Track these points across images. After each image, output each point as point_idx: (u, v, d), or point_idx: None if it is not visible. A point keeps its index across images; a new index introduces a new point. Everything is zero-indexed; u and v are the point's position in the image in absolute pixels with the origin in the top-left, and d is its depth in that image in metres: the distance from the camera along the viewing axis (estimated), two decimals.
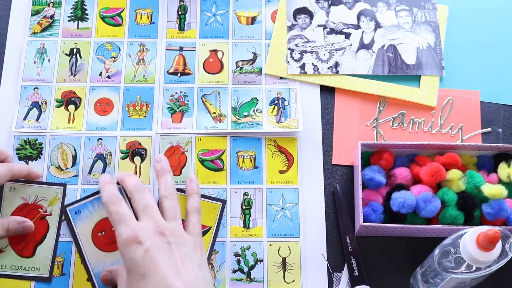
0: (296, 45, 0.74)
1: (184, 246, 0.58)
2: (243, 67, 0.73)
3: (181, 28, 0.75)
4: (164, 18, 0.76)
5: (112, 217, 0.59)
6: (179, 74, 0.73)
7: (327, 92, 0.73)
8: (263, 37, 0.75)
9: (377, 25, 0.75)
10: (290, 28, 0.74)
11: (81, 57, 0.73)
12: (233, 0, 0.77)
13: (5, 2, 0.76)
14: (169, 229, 0.58)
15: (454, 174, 0.64)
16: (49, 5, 0.75)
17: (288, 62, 0.73)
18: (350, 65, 0.73)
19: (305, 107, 0.72)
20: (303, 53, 0.73)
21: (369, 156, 0.67)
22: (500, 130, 0.72)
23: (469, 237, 0.54)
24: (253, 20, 0.76)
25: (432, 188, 0.64)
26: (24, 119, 0.70)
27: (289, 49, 0.74)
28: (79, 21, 0.75)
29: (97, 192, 0.66)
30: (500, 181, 0.66)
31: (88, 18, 0.75)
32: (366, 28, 0.75)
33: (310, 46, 0.74)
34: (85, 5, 0.76)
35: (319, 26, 0.75)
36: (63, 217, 0.65)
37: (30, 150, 0.68)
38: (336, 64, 0.73)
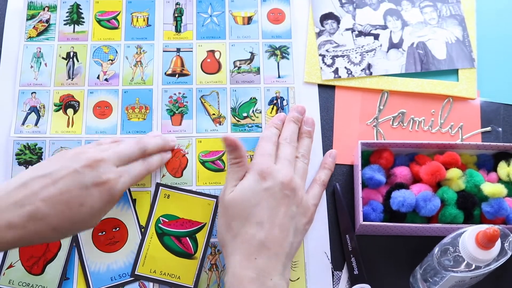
0: (327, 50, 0.73)
1: (295, 206, 0.60)
2: (240, 66, 0.73)
3: (177, 30, 0.74)
4: (161, 20, 0.75)
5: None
6: (177, 75, 0.72)
7: (327, 91, 0.73)
8: (260, 37, 0.74)
9: (404, 24, 0.75)
10: (319, 34, 0.74)
11: (78, 61, 0.72)
12: (229, 1, 0.76)
13: None
14: (294, 184, 0.60)
15: (454, 173, 0.64)
16: (44, 10, 0.75)
17: (321, 68, 0.73)
18: (383, 65, 0.73)
19: (304, 106, 0.71)
20: (335, 57, 0.73)
21: (369, 155, 0.67)
22: (500, 129, 0.71)
23: (469, 236, 0.54)
24: (249, 20, 0.75)
25: (432, 187, 0.64)
26: (23, 124, 0.69)
27: (320, 55, 0.73)
28: (75, 25, 0.74)
29: None
30: (499, 180, 0.65)
31: (84, 22, 0.74)
32: (394, 27, 0.75)
33: (340, 50, 0.73)
34: (81, 9, 0.75)
35: (347, 29, 0.75)
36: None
37: (30, 155, 0.68)
38: (369, 66, 0.73)
